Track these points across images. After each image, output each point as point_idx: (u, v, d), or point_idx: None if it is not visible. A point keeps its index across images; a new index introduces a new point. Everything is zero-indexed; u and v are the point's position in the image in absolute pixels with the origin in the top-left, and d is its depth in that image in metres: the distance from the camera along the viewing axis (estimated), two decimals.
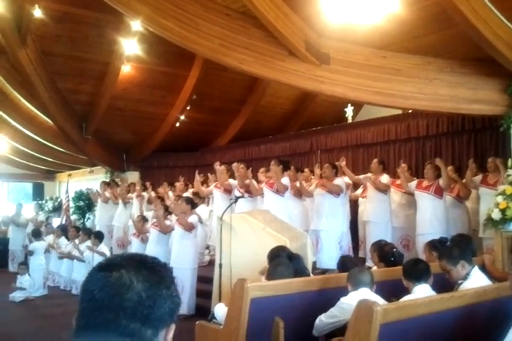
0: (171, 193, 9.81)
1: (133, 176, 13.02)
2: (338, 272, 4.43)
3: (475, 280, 3.48)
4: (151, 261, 1.08)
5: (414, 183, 6.98)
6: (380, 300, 3.16)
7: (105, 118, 11.28)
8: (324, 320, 3.48)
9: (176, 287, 1.10)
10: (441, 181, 6.58)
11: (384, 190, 7.28)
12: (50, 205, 16.35)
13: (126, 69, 10.38)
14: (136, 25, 8.38)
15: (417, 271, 3.41)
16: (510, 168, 5.78)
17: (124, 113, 11.54)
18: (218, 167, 8.13)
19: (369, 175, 7.62)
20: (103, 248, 8.29)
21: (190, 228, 6.79)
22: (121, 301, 0.99)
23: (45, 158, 14.59)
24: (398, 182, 7.45)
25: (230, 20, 6.14)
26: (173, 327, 1.07)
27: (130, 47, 9.41)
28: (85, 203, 14.06)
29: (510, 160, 5.95)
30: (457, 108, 6.42)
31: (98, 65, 10.31)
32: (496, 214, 5.43)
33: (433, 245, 4.49)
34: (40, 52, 9.56)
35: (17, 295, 8.01)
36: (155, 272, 1.05)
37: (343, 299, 3.41)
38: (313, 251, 6.28)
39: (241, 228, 5.41)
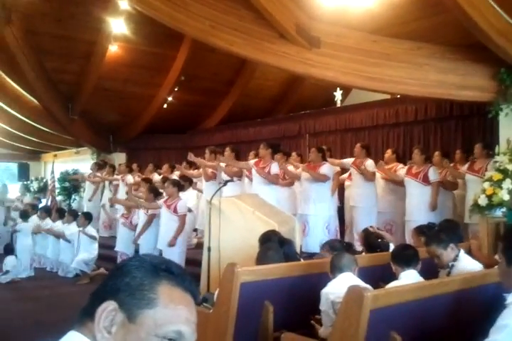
0: (157, 175, 9.77)
1: (120, 157, 12.92)
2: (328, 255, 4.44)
3: (465, 262, 3.57)
4: None
5: (403, 171, 7.05)
6: (362, 284, 3.16)
7: (92, 98, 11.11)
8: (326, 325, 3.28)
9: None
10: (431, 170, 6.66)
11: (371, 178, 7.28)
12: (35, 186, 16.17)
13: (114, 49, 10.19)
14: (124, 4, 8.23)
15: (405, 257, 3.44)
16: (498, 155, 5.84)
17: (110, 93, 11.36)
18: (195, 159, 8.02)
19: (351, 159, 7.61)
20: (90, 230, 8.25)
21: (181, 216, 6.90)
22: None
23: (30, 138, 14.38)
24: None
25: (220, 1, 6.04)
26: None
27: (117, 26, 9.25)
28: (71, 184, 13.97)
29: (497, 146, 6.00)
30: (446, 94, 6.42)
31: (85, 44, 10.11)
32: (483, 200, 5.50)
33: (421, 230, 4.55)
34: (25, 31, 9.35)
35: (3, 277, 7.97)
36: None
37: (323, 291, 3.34)
38: (301, 235, 6.33)
39: (230, 212, 5.42)
